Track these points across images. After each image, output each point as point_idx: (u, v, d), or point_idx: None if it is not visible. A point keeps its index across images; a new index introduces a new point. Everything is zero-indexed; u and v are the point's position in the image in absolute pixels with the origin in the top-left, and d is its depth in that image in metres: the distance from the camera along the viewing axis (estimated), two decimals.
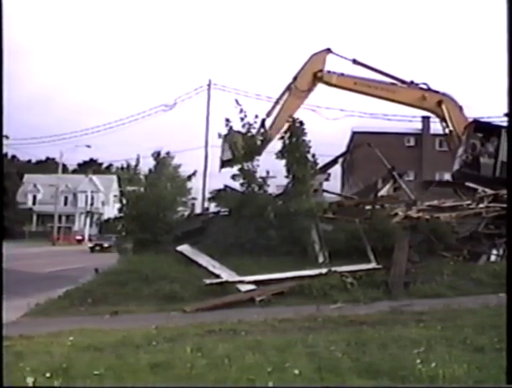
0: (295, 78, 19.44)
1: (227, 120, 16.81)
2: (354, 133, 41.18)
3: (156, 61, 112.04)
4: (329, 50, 19.78)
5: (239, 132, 17.19)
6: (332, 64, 19.87)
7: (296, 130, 16.44)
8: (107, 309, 11.71)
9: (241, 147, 16.69)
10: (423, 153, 42.42)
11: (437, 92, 20.38)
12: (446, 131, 20.78)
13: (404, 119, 25.54)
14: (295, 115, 17.62)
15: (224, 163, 19.06)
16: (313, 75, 19.39)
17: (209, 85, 31.00)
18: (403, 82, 20.45)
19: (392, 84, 20.29)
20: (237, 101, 16.95)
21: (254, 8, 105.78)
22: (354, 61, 20.07)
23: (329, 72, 19.63)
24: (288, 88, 19.44)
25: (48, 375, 5.48)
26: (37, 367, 5.80)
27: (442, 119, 20.57)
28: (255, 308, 11.30)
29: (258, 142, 16.64)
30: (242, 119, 16.69)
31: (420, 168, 40.31)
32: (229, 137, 18.45)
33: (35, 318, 11.46)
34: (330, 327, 8.57)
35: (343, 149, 33.11)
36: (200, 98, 31.49)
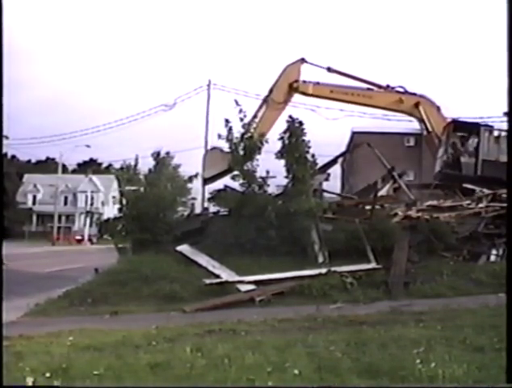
0: (270, 91, 19.40)
1: (226, 121, 16.82)
2: (354, 133, 41.10)
3: (156, 60, 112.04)
4: (303, 60, 19.78)
5: (220, 149, 17.32)
6: (308, 73, 19.93)
7: (296, 130, 16.44)
8: (106, 309, 11.72)
9: (222, 163, 16.81)
10: (423, 153, 42.30)
11: (414, 94, 20.41)
12: (425, 133, 20.86)
13: (403, 119, 25.46)
14: (294, 115, 17.66)
15: (206, 181, 19.23)
16: (289, 86, 19.34)
17: (209, 85, 30.96)
18: (379, 86, 20.47)
19: (369, 89, 20.31)
20: (236, 101, 17.01)
21: (254, 8, 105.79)
22: (329, 69, 20.11)
23: (304, 82, 19.59)
24: (265, 101, 19.35)
25: (47, 375, 5.47)
26: (37, 367, 5.79)
27: (421, 120, 20.60)
28: (255, 308, 11.31)
29: (241, 154, 16.59)
30: (242, 119, 16.73)
31: (420, 168, 40.25)
32: (209, 155, 18.65)
33: (35, 318, 11.46)
34: (330, 327, 8.58)
35: (343, 149, 33.04)
36: (200, 98, 31.42)
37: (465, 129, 19.78)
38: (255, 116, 18.86)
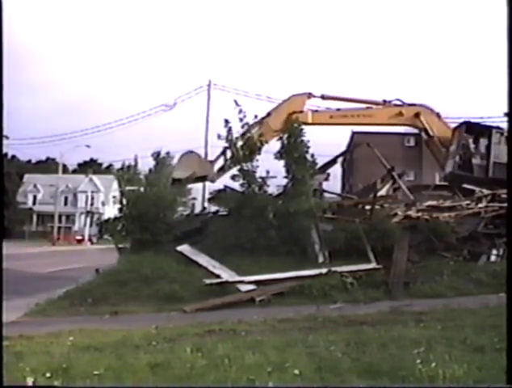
0: (268, 114, 18.95)
1: (226, 121, 16.82)
2: (354, 133, 41.20)
3: (156, 61, 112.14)
4: (310, 94, 19.48)
5: (197, 154, 17.18)
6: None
7: (295, 130, 16.45)
8: (106, 309, 11.72)
9: (195, 168, 16.75)
10: (423, 153, 42.43)
11: (413, 105, 20.29)
12: (427, 138, 20.71)
13: None
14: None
15: (174, 181, 18.83)
16: (287, 116, 18.60)
17: (209, 85, 30.96)
18: (376, 103, 20.33)
19: (368, 108, 20.18)
20: (235, 101, 17.00)
21: (254, 8, 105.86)
22: (323, 97, 19.90)
23: (301, 112, 19.04)
24: (260, 122, 18.47)
25: (47, 375, 5.46)
26: (37, 367, 5.78)
27: (423, 129, 20.42)
28: (255, 308, 11.30)
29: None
30: (241, 119, 16.73)
31: (420, 168, 40.37)
32: (184, 157, 18.49)
33: (35, 318, 11.46)
34: (330, 327, 8.57)
35: (343, 149, 33.07)
36: (200, 98, 31.42)
37: (477, 131, 19.72)
38: (246, 133, 17.59)
